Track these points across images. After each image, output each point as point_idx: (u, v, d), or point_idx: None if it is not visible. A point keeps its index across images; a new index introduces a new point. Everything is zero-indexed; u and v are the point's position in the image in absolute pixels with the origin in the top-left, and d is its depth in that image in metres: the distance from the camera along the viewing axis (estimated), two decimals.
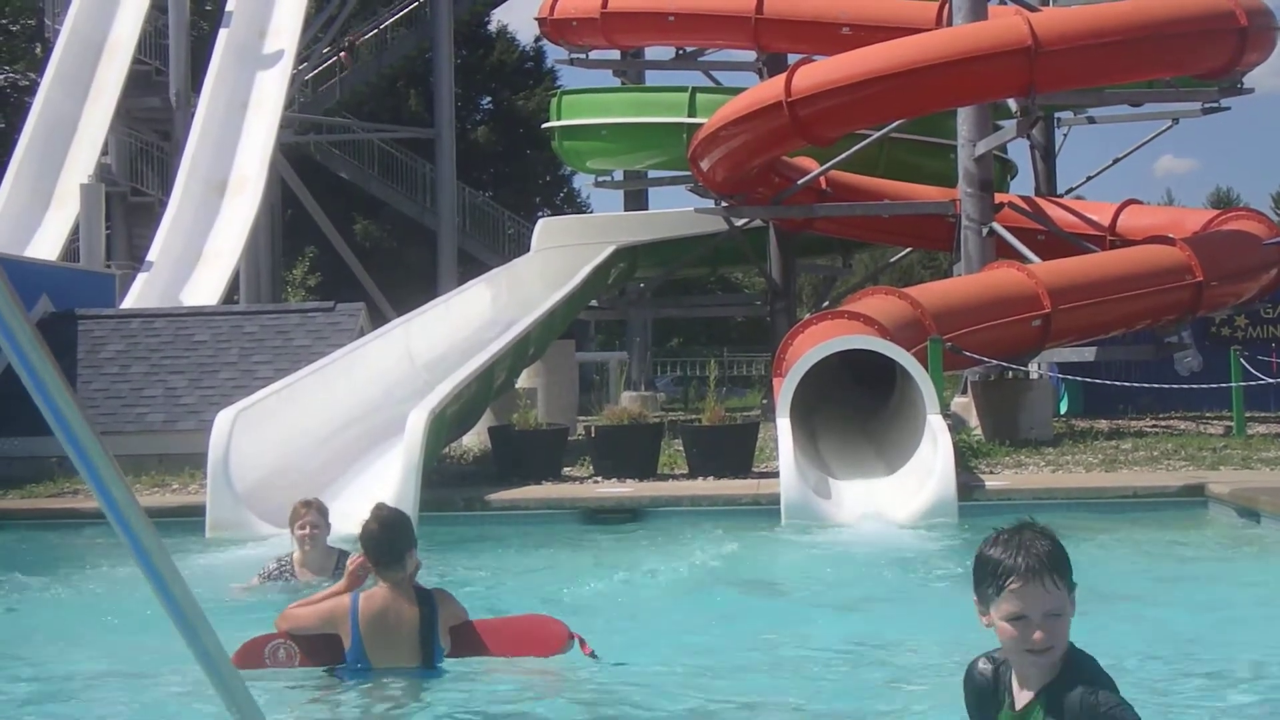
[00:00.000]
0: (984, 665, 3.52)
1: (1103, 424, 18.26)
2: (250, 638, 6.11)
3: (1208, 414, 19.59)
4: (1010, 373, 17.04)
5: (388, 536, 5.88)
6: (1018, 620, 3.22)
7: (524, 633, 6.09)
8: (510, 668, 6.00)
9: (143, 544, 2.23)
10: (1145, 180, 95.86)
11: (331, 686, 5.88)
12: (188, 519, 11.51)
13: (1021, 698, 3.33)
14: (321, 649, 5.96)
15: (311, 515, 8.42)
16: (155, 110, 32.53)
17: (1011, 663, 3.38)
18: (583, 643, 5.97)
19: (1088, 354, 19.05)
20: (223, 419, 12.09)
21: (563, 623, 6.08)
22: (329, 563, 8.29)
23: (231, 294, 27.49)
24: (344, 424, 13.93)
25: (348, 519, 11.49)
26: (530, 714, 5.60)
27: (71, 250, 25.22)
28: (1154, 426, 17.97)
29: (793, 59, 20.90)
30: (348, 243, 38.17)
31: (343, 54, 38.04)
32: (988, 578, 3.28)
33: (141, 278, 25.42)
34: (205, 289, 25.40)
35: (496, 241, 39.25)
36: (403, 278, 38.15)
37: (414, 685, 5.80)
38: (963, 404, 18.10)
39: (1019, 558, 3.21)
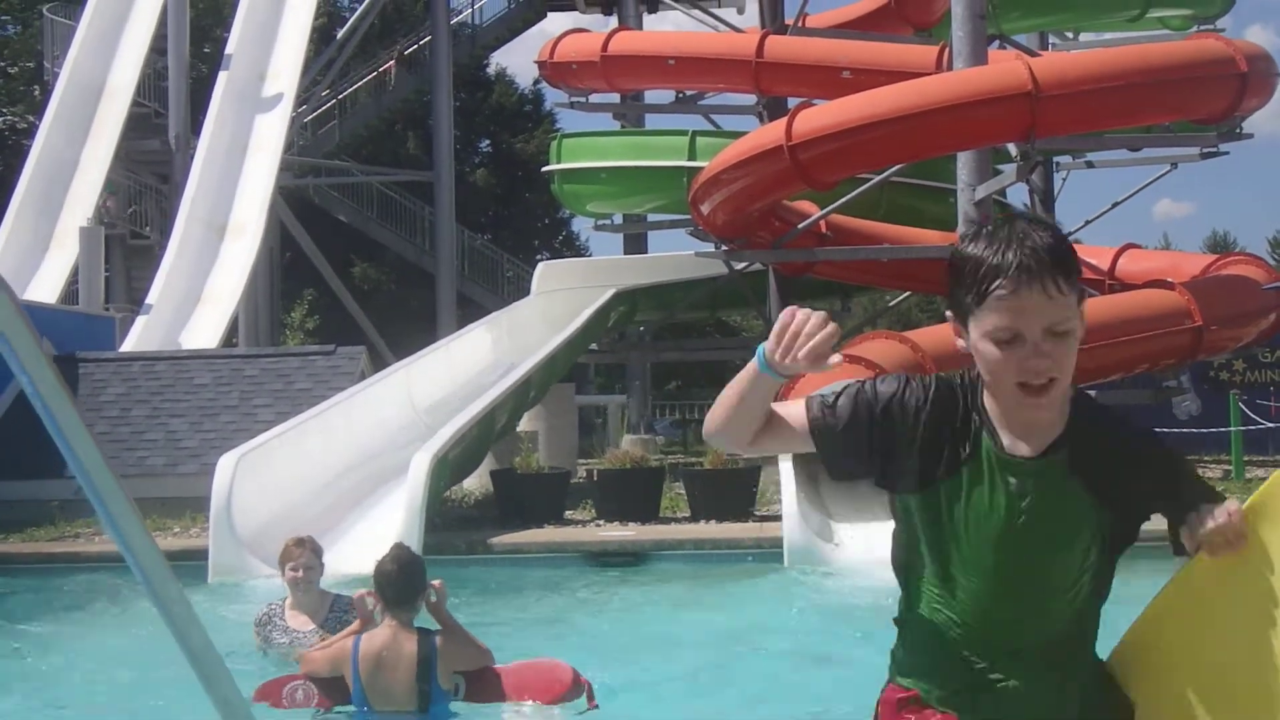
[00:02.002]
0: (934, 380, 2.67)
1: None
2: (270, 679, 6.09)
3: (1206, 457, 19.57)
4: None
5: (404, 578, 5.92)
6: (1008, 340, 2.44)
7: (533, 676, 6.07)
8: (512, 714, 5.96)
9: (160, 590, 2.21)
10: (1143, 223, 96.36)
11: None
12: (189, 562, 11.44)
13: (1019, 448, 2.56)
14: (337, 692, 5.96)
15: (304, 555, 7.71)
16: (154, 152, 32.61)
17: (995, 403, 2.57)
18: (590, 695, 5.91)
19: None
20: (225, 463, 12.08)
21: (572, 669, 6.03)
22: (323, 607, 7.65)
23: (230, 337, 27.47)
24: (346, 468, 13.91)
25: (351, 562, 11.55)
26: None
27: (70, 293, 25.22)
28: None
29: (793, 102, 20.94)
30: (346, 285, 38.20)
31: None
32: (965, 280, 2.48)
33: (141, 320, 25.40)
34: (205, 331, 25.38)
35: (495, 284, 39.29)
36: (402, 321, 38.16)
37: None
38: None
39: (1009, 253, 2.43)
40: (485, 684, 6.01)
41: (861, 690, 6.79)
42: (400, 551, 6.06)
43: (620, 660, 7.62)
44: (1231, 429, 16.30)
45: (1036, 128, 16.60)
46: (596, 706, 5.92)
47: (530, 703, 5.96)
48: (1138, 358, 17.71)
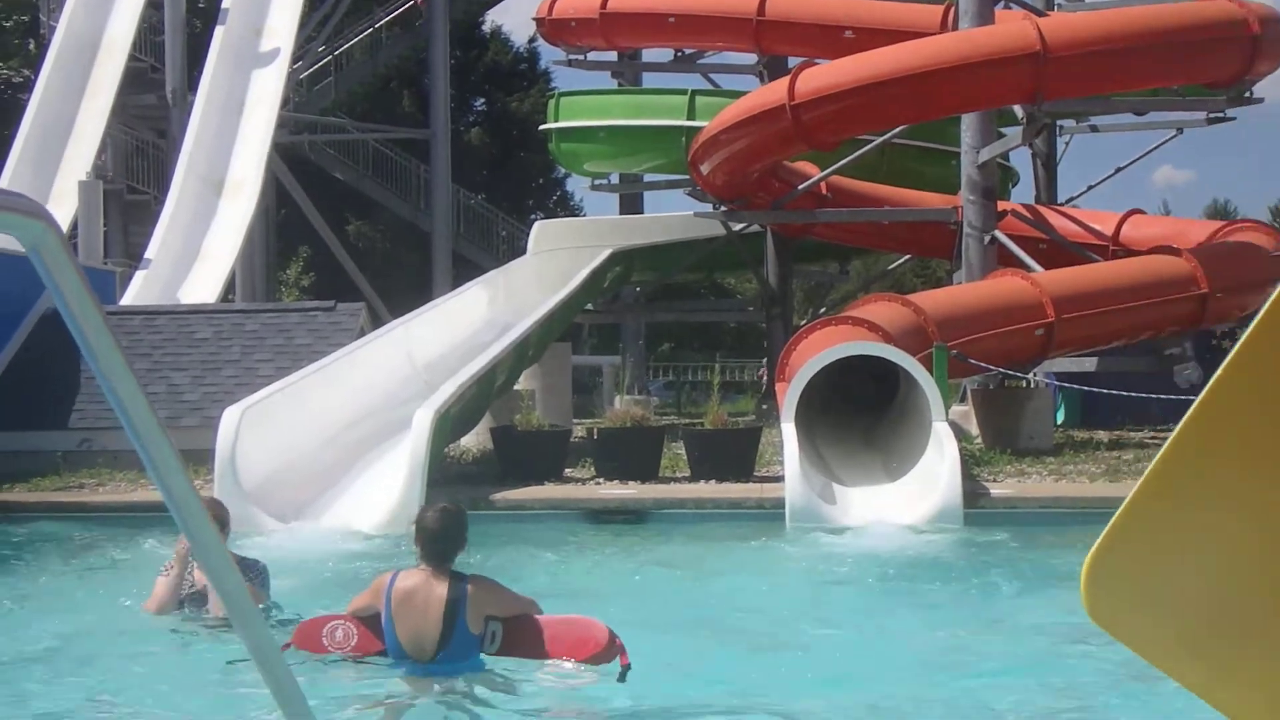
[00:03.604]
0: None
1: (1102, 435, 18.23)
2: (310, 618, 6.18)
3: None
4: (1009, 381, 17.00)
5: (443, 537, 5.97)
6: None
7: (568, 632, 6.06)
8: (541, 669, 5.96)
9: (198, 533, 2.23)
10: (1143, 190, 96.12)
11: (367, 677, 5.89)
12: None
13: None
14: (377, 630, 6.01)
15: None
16: (151, 108, 32.43)
17: None
18: (623, 652, 5.92)
19: (1089, 364, 18.98)
20: (229, 415, 12.07)
21: (608, 628, 6.03)
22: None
23: (228, 293, 27.41)
24: (348, 423, 13.91)
25: (353, 517, 11.58)
26: (541, 708, 5.63)
27: (69, 248, 25.10)
28: (1155, 438, 17.93)
29: (793, 62, 20.84)
30: (341, 243, 38.08)
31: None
32: None
33: (140, 275, 25.36)
34: (203, 287, 25.34)
35: (490, 243, 39.20)
36: (396, 279, 38.09)
37: (440, 682, 5.79)
38: (962, 412, 18.04)
39: None
40: (523, 634, 6.01)
41: (857, 650, 6.85)
42: (444, 510, 6.09)
43: (622, 617, 7.60)
44: None
45: (1044, 90, 16.50)
46: (629, 666, 5.89)
47: (563, 660, 5.98)
48: (1143, 324, 17.60)
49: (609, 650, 5.94)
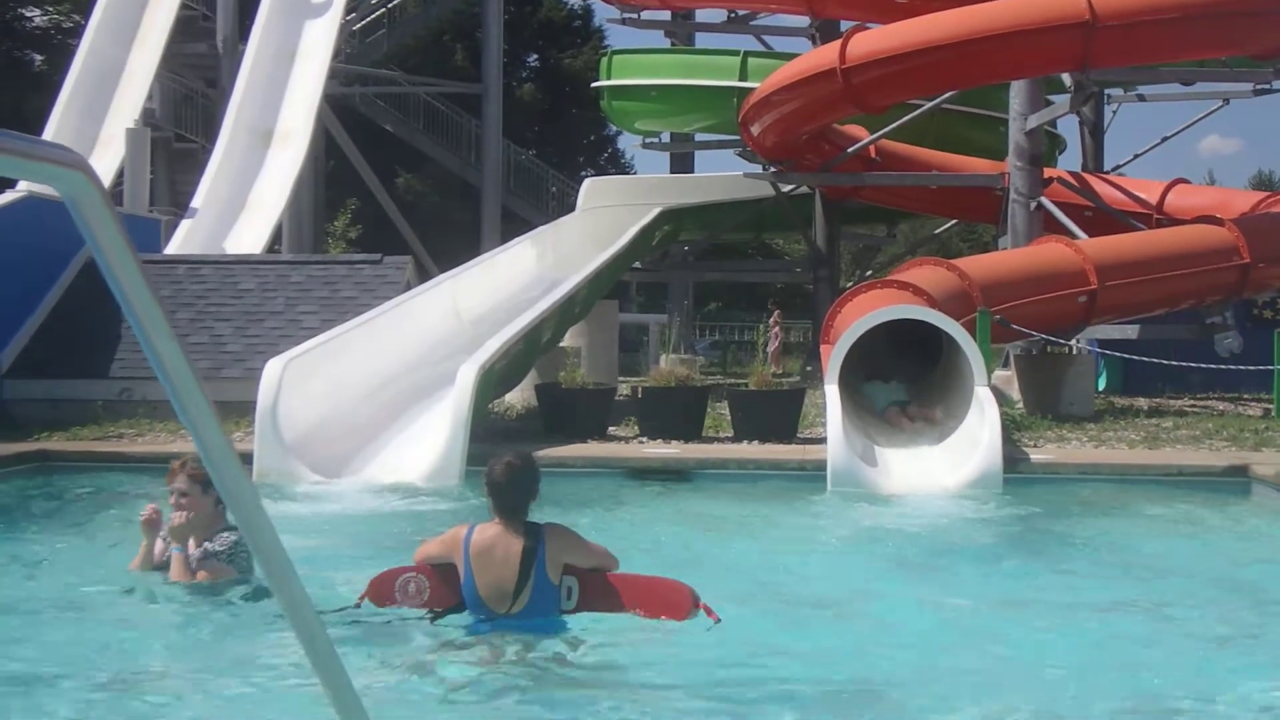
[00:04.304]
0: None
1: (1142, 402, 18.19)
2: (384, 570, 6.20)
3: (1245, 395, 19.48)
4: (1051, 347, 16.96)
5: (514, 489, 6.02)
6: None
7: (650, 593, 6.05)
8: (621, 625, 6.01)
9: (233, 490, 2.22)
10: (1189, 159, 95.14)
11: (443, 633, 5.96)
12: None
13: None
14: (449, 584, 6.03)
15: (177, 479, 7.00)
16: (201, 56, 32.57)
17: None
18: (709, 610, 5.94)
19: (1131, 332, 18.94)
20: (272, 367, 12.14)
21: (691, 591, 6.02)
22: (208, 534, 7.00)
23: (274, 244, 27.56)
24: (391, 376, 13.96)
25: (395, 470, 11.66)
26: (634, 670, 5.67)
27: (115, 195, 25.29)
28: (1193, 406, 17.90)
29: (846, 26, 20.75)
30: (390, 196, 38.19)
31: None
32: None
33: (185, 224, 25.52)
34: (249, 238, 25.48)
35: (539, 199, 39.23)
36: (444, 233, 38.18)
37: (513, 630, 5.85)
38: (1004, 377, 18.04)
39: None
40: (601, 594, 6.03)
41: (891, 614, 6.87)
42: (513, 461, 6.09)
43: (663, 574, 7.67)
44: (1275, 367, 16.18)
45: (1092, 58, 16.44)
46: (719, 620, 5.91)
47: (644, 617, 5.97)
48: (1185, 292, 17.59)
49: (691, 614, 5.94)
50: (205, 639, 6.23)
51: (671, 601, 5.99)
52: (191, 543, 6.95)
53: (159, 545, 7.12)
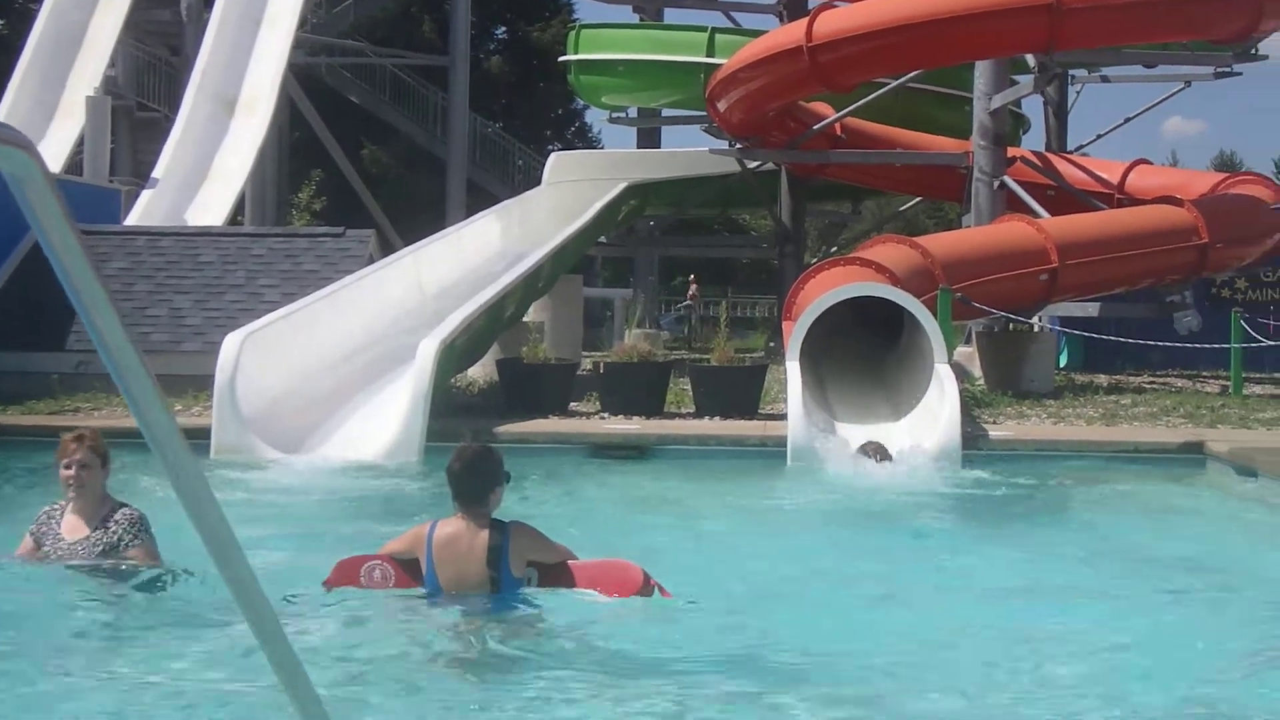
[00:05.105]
0: None
1: (1102, 379, 18.41)
2: (348, 556, 6.19)
3: (1204, 373, 19.71)
4: (1014, 325, 17.09)
5: (469, 477, 5.98)
6: None
7: (603, 573, 6.12)
8: (580, 602, 6.04)
9: (177, 467, 2.19)
10: (1153, 140, 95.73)
11: (400, 611, 5.94)
12: (191, 441, 11.35)
13: None
14: (415, 573, 6.04)
15: (80, 452, 6.52)
16: (165, 23, 32.29)
17: None
18: (661, 588, 6.02)
19: (1092, 309, 19.13)
20: (230, 341, 12.07)
21: (642, 570, 6.08)
22: (97, 514, 6.57)
23: (237, 214, 27.39)
24: (353, 351, 13.91)
25: (355, 447, 11.62)
26: (593, 644, 5.69)
27: (75, 164, 25.08)
28: (1152, 383, 18.14)
29: (814, 3, 20.78)
30: (355, 168, 38.00)
31: None
32: None
33: (146, 194, 25.31)
34: (211, 208, 25.31)
35: (506, 173, 39.12)
36: (410, 205, 38.05)
37: (479, 614, 5.85)
38: (966, 354, 18.17)
39: None
40: (558, 579, 6.07)
41: (844, 589, 6.91)
42: (467, 451, 6.08)
43: (620, 554, 7.69)
44: (1231, 346, 16.38)
45: (1056, 40, 16.56)
46: (672, 597, 5.98)
47: (599, 595, 6.02)
48: (1144, 272, 17.84)
49: (644, 590, 6.01)
50: (135, 625, 6.05)
51: (623, 580, 6.06)
52: (81, 521, 6.53)
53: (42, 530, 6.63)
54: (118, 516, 6.56)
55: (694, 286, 32.24)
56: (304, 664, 2.31)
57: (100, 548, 6.47)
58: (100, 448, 6.57)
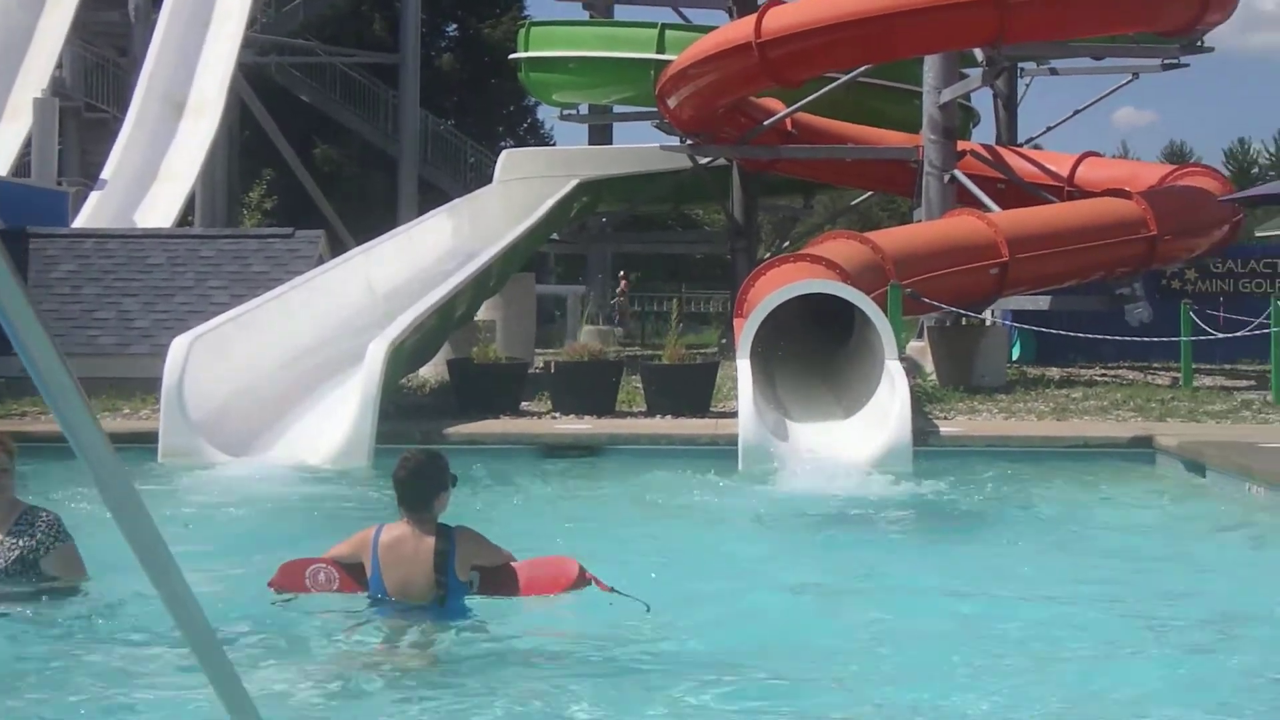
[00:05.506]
0: None
1: (1054, 372, 18.51)
2: (293, 559, 6.15)
3: (1155, 365, 19.85)
4: (966, 319, 17.16)
5: (414, 482, 5.98)
6: None
7: (540, 571, 6.16)
8: (521, 605, 6.05)
9: (106, 475, 2.13)
10: (1104, 130, 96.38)
11: (343, 616, 5.91)
12: (139, 445, 11.38)
13: None
14: (359, 577, 6.04)
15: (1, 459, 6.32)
16: (113, 24, 32.02)
17: None
18: (598, 581, 6.04)
19: (1042, 303, 19.25)
20: (178, 345, 11.96)
21: (578, 564, 6.11)
22: (9, 518, 6.32)
23: (186, 215, 27.19)
24: (302, 353, 13.81)
25: (304, 450, 11.55)
26: (525, 645, 5.70)
27: (23, 165, 24.82)
28: (1104, 375, 18.26)
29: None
30: (307, 167, 37.79)
31: None
32: None
33: (95, 196, 25.10)
34: (160, 210, 25.12)
35: (458, 170, 38.99)
36: (362, 204, 37.87)
37: (422, 620, 5.84)
38: (918, 348, 18.23)
39: None
40: (499, 580, 6.11)
41: (788, 595, 6.91)
42: (411, 457, 6.10)
43: (571, 554, 7.67)
44: (1181, 338, 16.50)
45: (1005, 34, 16.65)
46: (611, 590, 5.99)
47: (539, 596, 6.07)
48: (1094, 264, 17.97)
49: (579, 583, 6.04)
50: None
51: (559, 574, 6.10)
52: None
53: None
54: (37, 520, 6.35)
55: (624, 283, 32.48)
56: (241, 675, 2.26)
57: (16, 552, 6.24)
58: (13, 450, 6.38)
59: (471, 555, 6.02)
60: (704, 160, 23.69)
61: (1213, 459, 10.71)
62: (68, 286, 16.75)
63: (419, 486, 5.99)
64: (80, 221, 22.83)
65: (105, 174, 25.74)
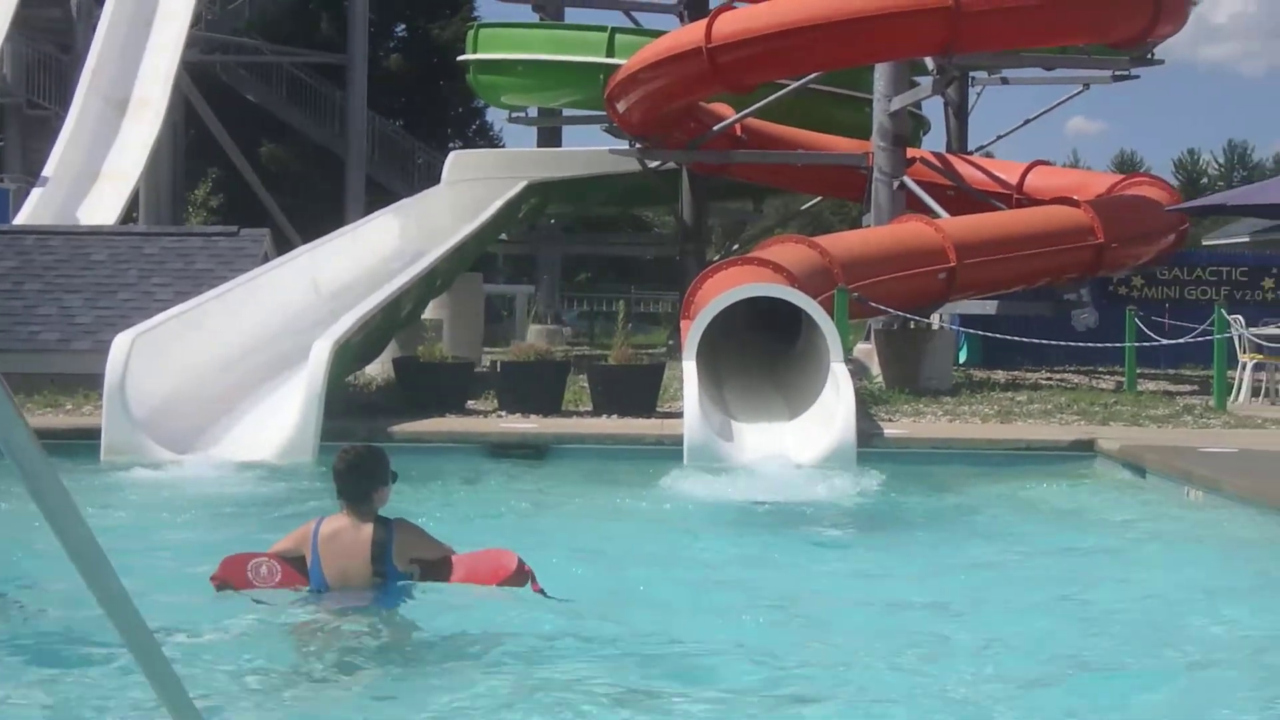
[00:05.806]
0: None
1: (1000, 375, 18.67)
2: (234, 554, 6.15)
3: (1100, 369, 20.05)
4: (913, 322, 17.25)
5: (353, 475, 6.08)
6: None
7: (479, 563, 6.21)
8: (459, 596, 6.05)
9: (33, 472, 2.07)
10: (1055, 140, 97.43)
11: (282, 610, 5.90)
12: (81, 441, 11.28)
13: None
14: (300, 569, 6.09)
15: None
16: (55, 20, 31.71)
17: None
18: (533, 579, 6.08)
19: (990, 307, 19.39)
20: (121, 341, 11.85)
21: (517, 556, 6.17)
22: None
23: (130, 213, 26.95)
24: (246, 351, 13.72)
25: (248, 447, 11.46)
26: (465, 637, 5.70)
27: None
28: (1049, 379, 18.44)
29: (714, 3, 20.85)
30: (253, 166, 37.54)
31: None
32: None
33: (36, 193, 24.86)
34: (103, 208, 24.90)
35: (406, 171, 38.85)
36: (309, 204, 37.64)
37: (361, 612, 5.84)
38: (865, 351, 18.32)
39: None
40: (439, 573, 6.16)
41: (727, 588, 6.92)
42: (349, 452, 6.19)
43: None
44: (1126, 344, 16.68)
45: (955, 43, 16.76)
46: (541, 590, 6.04)
47: (478, 586, 6.11)
48: (1041, 271, 18.14)
49: (519, 575, 6.09)
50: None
51: (498, 566, 6.15)
52: None
53: None
54: None
55: None
56: (181, 675, 2.22)
57: None
58: None
59: (410, 547, 6.08)
60: (653, 164, 23.70)
61: (1153, 463, 10.81)
62: (9, 283, 16.56)
63: (358, 479, 6.07)
64: (22, 219, 22.62)
65: (47, 171, 25.50)
